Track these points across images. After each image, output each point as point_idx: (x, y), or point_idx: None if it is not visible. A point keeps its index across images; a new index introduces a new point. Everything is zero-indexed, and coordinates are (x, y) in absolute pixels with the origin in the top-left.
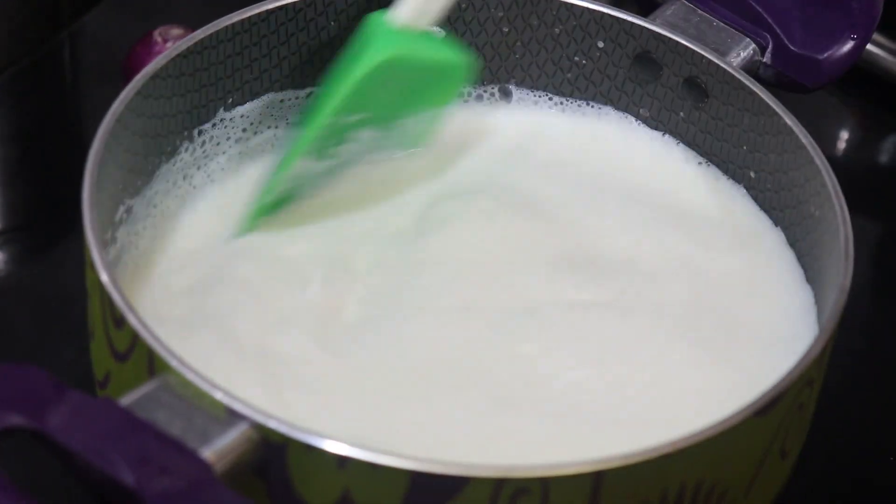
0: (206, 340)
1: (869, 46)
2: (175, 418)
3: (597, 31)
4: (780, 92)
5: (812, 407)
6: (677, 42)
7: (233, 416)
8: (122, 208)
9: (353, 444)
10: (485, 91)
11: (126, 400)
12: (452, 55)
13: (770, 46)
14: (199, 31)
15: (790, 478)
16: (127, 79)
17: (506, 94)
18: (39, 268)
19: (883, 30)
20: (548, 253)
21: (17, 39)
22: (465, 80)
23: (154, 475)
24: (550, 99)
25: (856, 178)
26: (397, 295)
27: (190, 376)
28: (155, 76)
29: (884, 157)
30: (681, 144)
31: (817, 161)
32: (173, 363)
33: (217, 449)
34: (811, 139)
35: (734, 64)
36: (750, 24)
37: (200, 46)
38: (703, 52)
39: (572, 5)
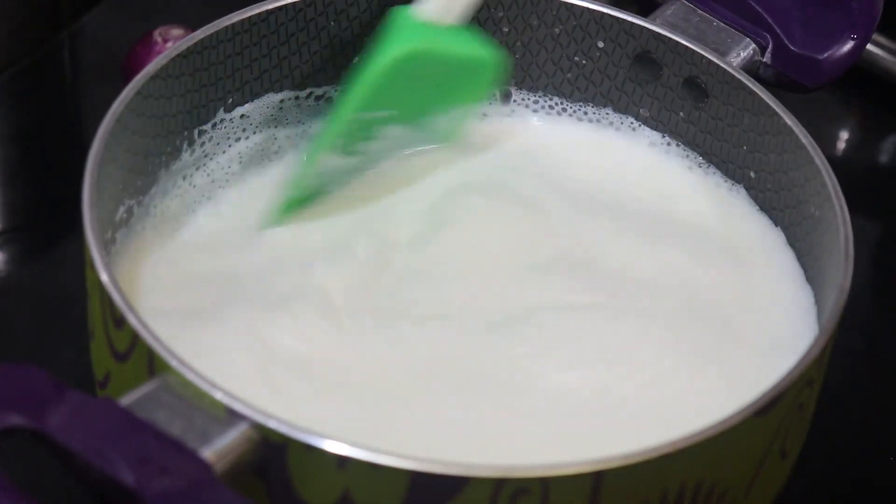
0: (205, 339)
1: (869, 46)
2: (175, 418)
3: (597, 31)
4: (780, 92)
5: (812, 407)
6: (677, 42)
7: (233, 416)
8: (122, 208)
9: (353, 444)
10: None
11: (126, 400)
12: (480, 51)
13: (770, 46)
14: (199, 31)
15: (790, 478)
16: (127, 79)
17: (505, 95)
18: (39, 268)
19: (883, 30)
20: (546, 255)
21: (17, 39)
22: (496, 77)
23: (154, 475)
24: (550, 100)
25: (856, 178)
26: (397, 295)
27: (190, 376)
28: (155, 76)
29: (884, 157)
30: (680, 148)
31: (817, 161)
32: (173, 363)
33: (217, 449)
34: (811, 139)
35: (734, 64)
36: (750, 24)
37: (200, 46)
38: (703, 52)
39: (572, 5)
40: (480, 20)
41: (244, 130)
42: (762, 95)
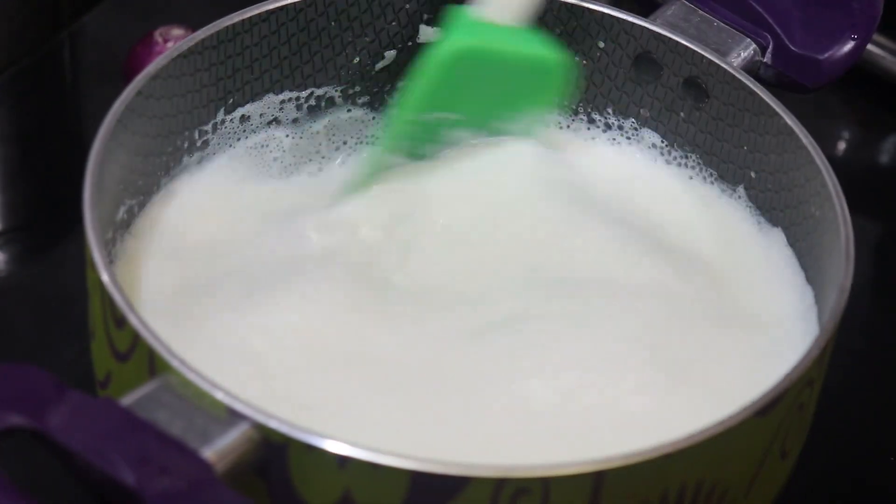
0: (206, 339)
1: (869, 46)
2: (176, 418)
3: (597, 31)
4: (780, 92)
5: (812, 407)
6: (677, 42)
7: (233, 416)
8: (122, 208)
9: (353, 444)
10: None
11: (127, 400)
12: (542, 51)
13: (770, 46)
14: (199, 32)
15: (790, 478)
16: (127, 79)
17: None
18: (39, 268)
19: (883, 30)
20: (546, 255)
21: (17, 39)
22: (564, 79)
23: (154, 475)
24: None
25: (856, 178)
26: (397, 294)
27: (191, 376)
28: (155, 76)
29: (884, 157)
30: (677, 150)
31: (817, 161)
32: (174, 363)
33: (218, 449)
34: (811, 139)
35: (734, 64)
36: (750, 24)
37: (201, 47)
38: (703, 53)
39: (572, 5)
40: None
41: (244, 130)
42: (762, 96)
